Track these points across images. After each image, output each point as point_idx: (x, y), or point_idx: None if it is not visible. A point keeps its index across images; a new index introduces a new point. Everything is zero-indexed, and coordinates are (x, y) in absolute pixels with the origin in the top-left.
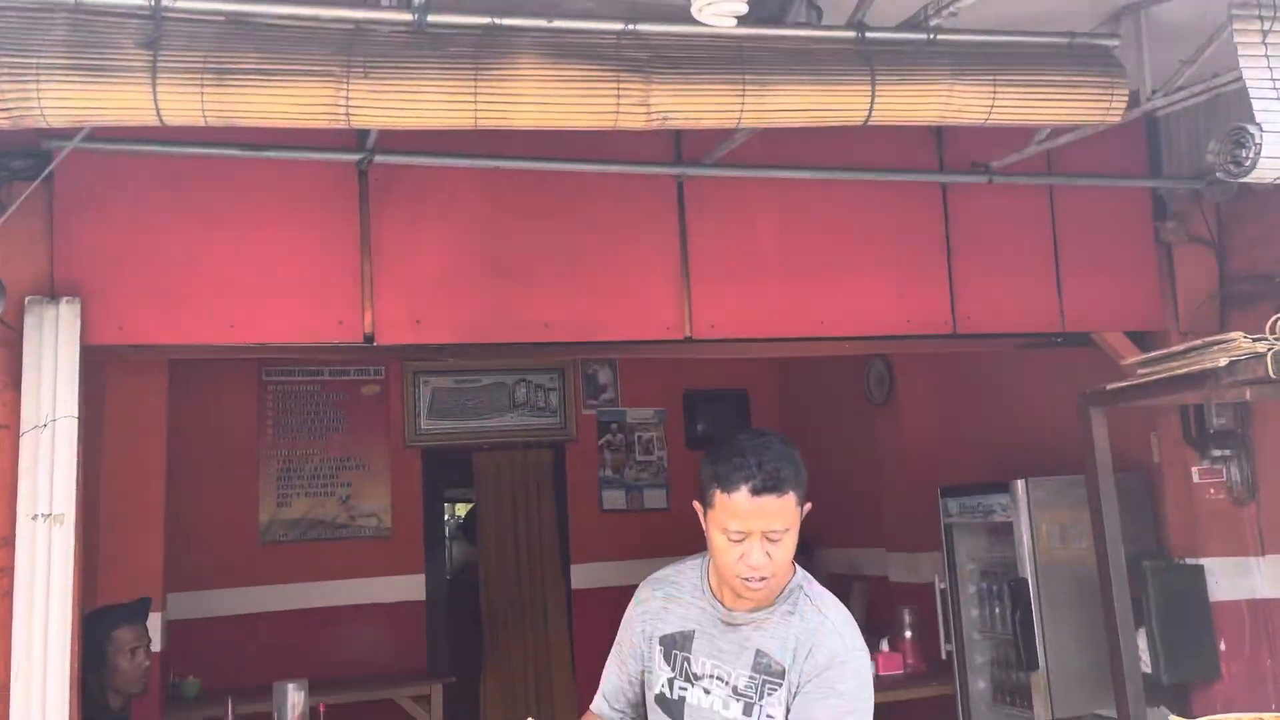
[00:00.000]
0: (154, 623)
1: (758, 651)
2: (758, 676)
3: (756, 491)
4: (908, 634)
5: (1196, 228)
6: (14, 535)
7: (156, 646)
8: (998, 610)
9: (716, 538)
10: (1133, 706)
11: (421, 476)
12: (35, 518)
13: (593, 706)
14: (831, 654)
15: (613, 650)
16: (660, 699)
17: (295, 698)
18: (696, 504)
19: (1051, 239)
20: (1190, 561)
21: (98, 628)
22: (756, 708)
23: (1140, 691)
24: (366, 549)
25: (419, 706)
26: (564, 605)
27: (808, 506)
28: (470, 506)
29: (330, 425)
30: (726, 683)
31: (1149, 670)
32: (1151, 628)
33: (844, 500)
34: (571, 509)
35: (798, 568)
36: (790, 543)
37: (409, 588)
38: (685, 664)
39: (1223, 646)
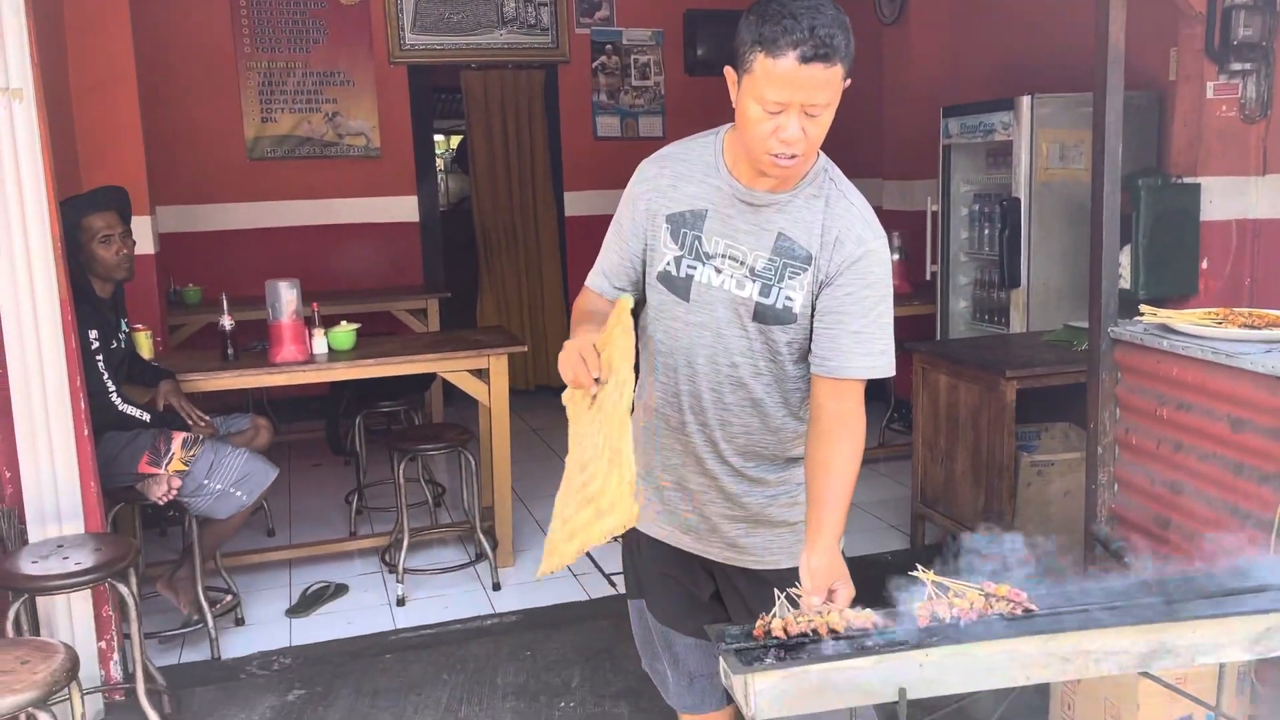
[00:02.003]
0: (143, 227)
1: (779, 234)
2: (778, 259)
3: (805, 59)
4: (895, 256)
5: None
6: None
7: (149, 249)
8: (986, 232)
9: (750, 108)
10: (1105, 318)
11: (409, 96)
12: None
13: (589, 283)
14: (860, 241)
15: (611, 228)
16: (664, 276)
17: (288, 294)
18: (729, 70)
19: None
20: (1188, 180)
21: (67, 214)
22: (775, 289)
23: (1115, 304)
24: (356, 169)
25: (415, 318)
26: (556, 231)
27: (848, 83)
28: (463, 139)
29: (311, 37)
30: (742, 263)
31: (1128, 286)
32: (1137, 245)
33: (842, 129)
34: (564, 135)
35: (821, 152)
36: (827, 120)
37: (402, 209)
38: (696, 242)
39: (1205, 265)
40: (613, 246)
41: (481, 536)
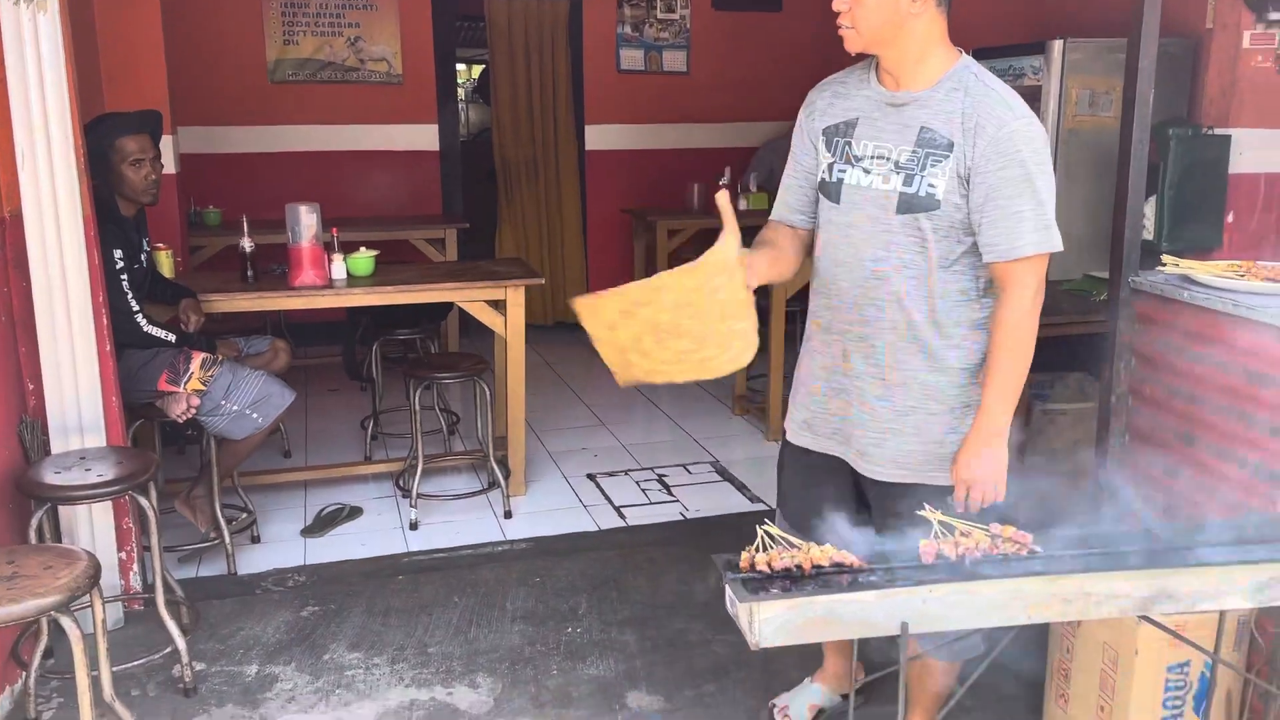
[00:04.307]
0: (164, 147)
1: (922, 128)
2: (921, 150)
3: None
4: None
5: None
6: None
7: (170, 169)
8: None
9: None
10: (1126, 267)
11: (432, 22)
12: (16, 3)
13: (773, 215)
14: (1001, 123)
15: (789, 159)
16: (821, 184)
17: (308, 219)
18: None
19: None
20: (1219, 131)
21: (101, 133)
22: (918, 178)
23: (1137, 253)
24: (377, 95)
25: (433, 248)
26: (576, 165)
27: None
28: (485, 68)
29: None
30: (888, 160)
31: (1151, 237)
32: (1162, 195)
33: None
34: (587, 68)
35: (963, 53)
36: (872, 4)
37: (422, 137)
38: (846, 148)
39: (1230, 218)
40: (790, 173)
41: (494, 465)
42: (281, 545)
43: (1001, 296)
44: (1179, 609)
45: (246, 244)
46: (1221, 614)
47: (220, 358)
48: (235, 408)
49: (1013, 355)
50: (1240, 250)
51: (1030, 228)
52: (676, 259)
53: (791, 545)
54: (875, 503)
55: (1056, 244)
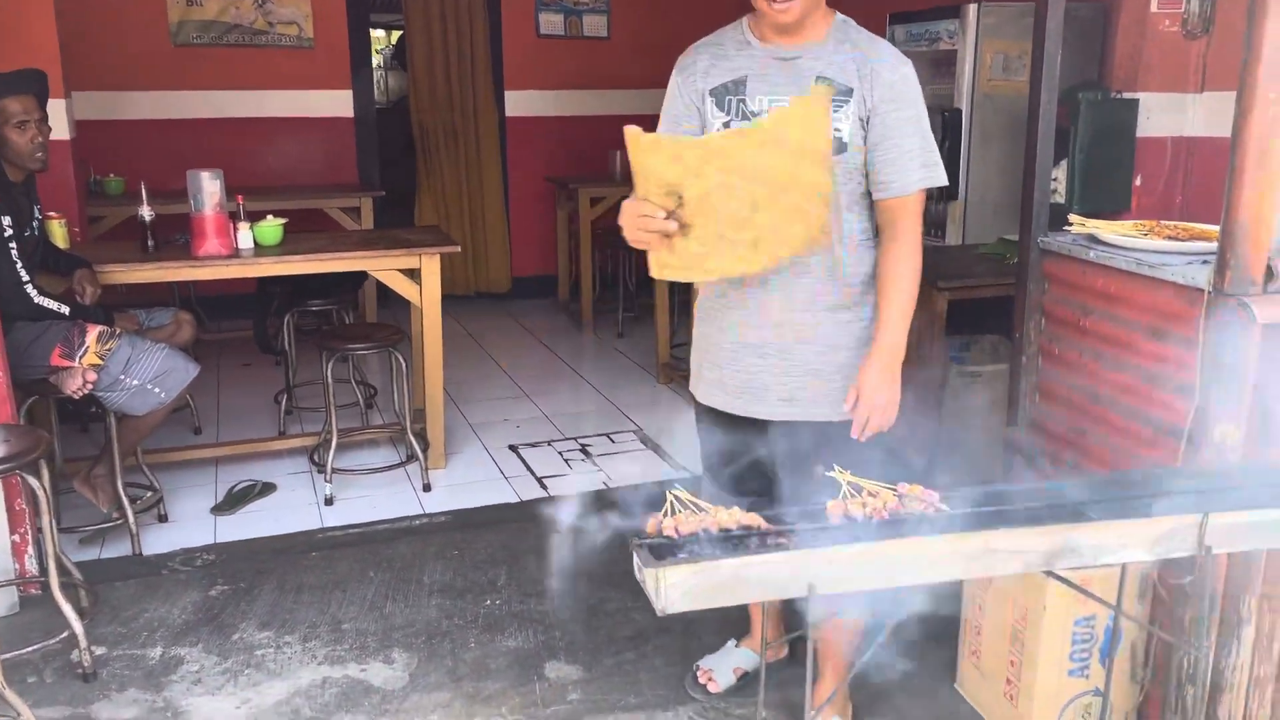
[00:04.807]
0: (57, 110)
1: (818, 76)
2: None
3: None
4: None
5: None
6: None
7: (64, 135)
8: None
9: None
10: (1035, 228)
11: None
12: None
13: None
14: (894, 68)
15: (660, 123)
16: None
17: (211, 186)
18: None
19: None
20: (1127, 95)
21: None
22: None
23: (1046, 214)
24: (288, 59)
25: (348, 217)
26: (497, 132)
27: None
28: (402, 34)
29: None
30: None
31: (1063, 200)
32: (1073, 158)
33: None
34: (506, 32)
35: (836, 12)
36: None
37: (336, 103)
38: (741, 105)
39: (1138, 181)
40: (666, 131)
41: (412, 438)
42: (190, 524)
43: (892, 231)
44: (1082, 563)
45: (146, 212)
46: (1123, 567)
47: (118, 331)
48: (136, 383)
49: (912, 281)
50: (1148, 213)
51: (919, 163)
52: (599, 227)
53: (699, 509)
54: (792, 450)
55: (944, 179)
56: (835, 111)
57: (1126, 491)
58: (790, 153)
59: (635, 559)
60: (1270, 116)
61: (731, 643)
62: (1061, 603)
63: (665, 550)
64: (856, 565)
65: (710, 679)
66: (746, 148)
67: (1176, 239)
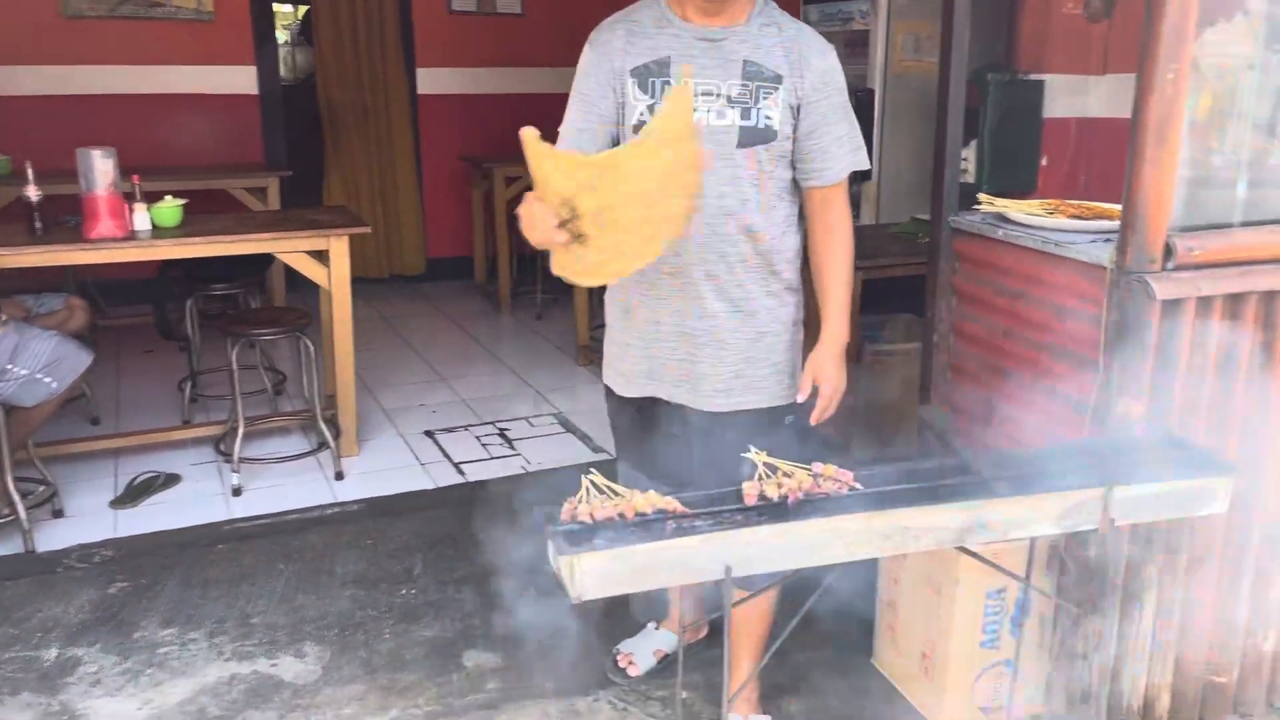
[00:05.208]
0: None
1: (745, 61)
2: (750, 83)
3: None
4: None
5: None
6: None
7: None
8: None
9: None
10: (946, 207)
11: None
12: None
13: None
14: (822, 55)
15: (570, 104)
16: (640, 127)
17: (102, 165)
18: None
19: None
20: (1034, 77)
21: None
22: (754, 110)
23: (956, 194)
24: (186, 33)
25: (254, 198)
26: (409, 110)
27: None
28: (308, 8)
29: None
30: (717, 95)
31: (973, 180)
32: (983, 139)
33: None
34: (416, 8)
35: None
36: None
37: (239, 79)
38: (665, 87)
39: (1044, 162)
40: (576, 114)
41: (323, 425)
42: (88, 519)
43: (826, 219)
44: (993, 538)
45: (32, 193)
46: (1032, 541)
47: (4, 318)
48: (24, 372)
49: (851, 268)
50: (1054, 192)
51: (849, 149)
52: (515, 208)
53: (615, 494)
54: (715, 433)
55: (865, 162)
56: (764, 99)
57: (1034, 467)
58: (673, 145)
59: (549, 546)
60: (1168, 97)
61: (651, 625)
62: (974, 576)
63: (580, 537)
64: (772, 546)
65: (630, 662)
66: (639, 158)
67: (1081, 218)
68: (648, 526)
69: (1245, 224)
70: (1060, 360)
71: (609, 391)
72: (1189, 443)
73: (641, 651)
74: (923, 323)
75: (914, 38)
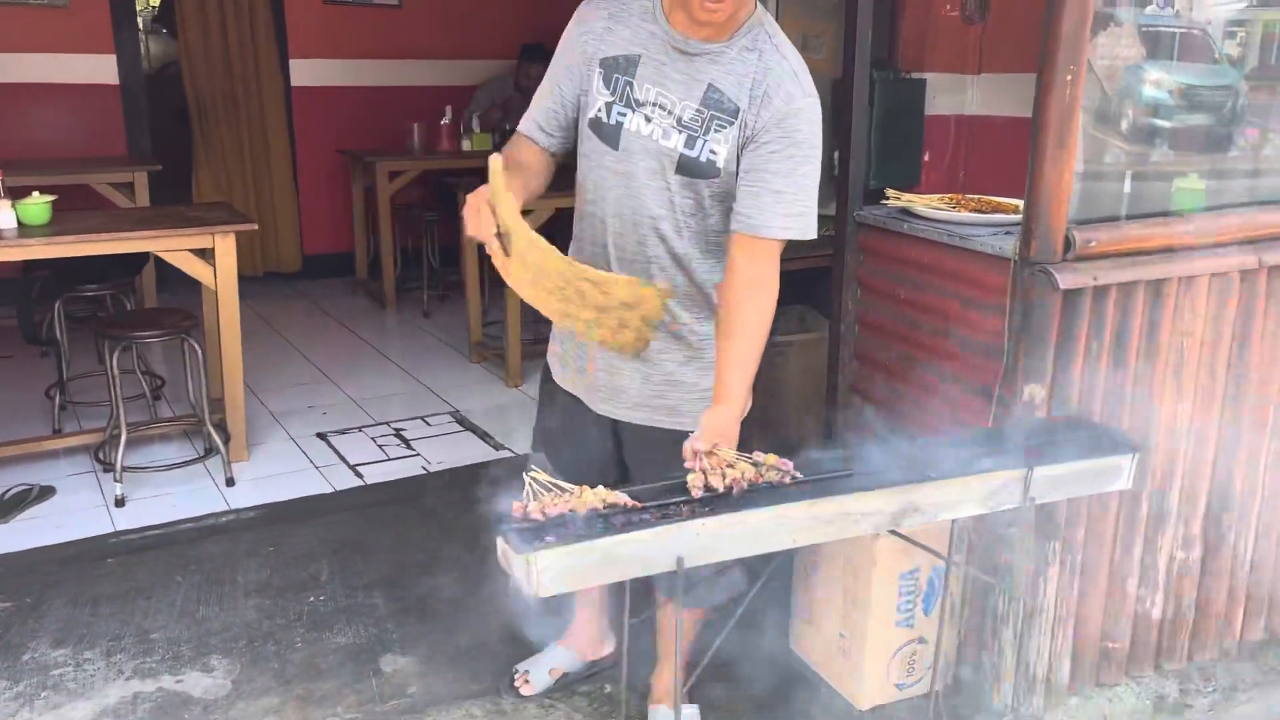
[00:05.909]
0: None
1: (710, 85)
2: (705, 111)
3: None
4: None
5: None
6: None
7: None
8: None
9: None
10: (852, 202)
11: None
12: None
13: (520, 128)
14: (789, 98)
15: (547, 74)
16: (595, 123)
17: None
18: None
19: None
20: (916, 75)
21: None
22: (700, 141)
23: (861, 190)
24: (37, 19)
25: (120, 193)
26: (282, 102)
27: None
28: None
29: None
30: (670, 113)
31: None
32: (870, 136)
33: None
34: None
35: (758, 3)
36: None
37: (97, 69)
38: (627, 89)
39: (926, 158)
40: (546, 92)
41: (211, 430)
42: None
43: (748, 273)
44: (923, 520)
45: None
46: (954, 522)
47: None
48: None
49: (765, 332)
50: (936, 188)
51: (783, 211)
52: (399, 202)
53: (563, 491)
54: (641, 447)
55: (808, 233)
56: (714, 132)
57: (953, 452)
58: (618, 306)
59: (501, 545)
60: (1068, 96)
61: (554, 643)
62: (889, 559)
63: (532, 534)
64: (721, 537)
65: (527, 683)
66: (573, 277)
67: (981, 211)
68: (598, 521)
69: (1130, 217)
70: (965, 349)
71: (547, 372)
72: (1093, 424)
73: (537, 671)
74: (818, 313)
75: (803, 36)
